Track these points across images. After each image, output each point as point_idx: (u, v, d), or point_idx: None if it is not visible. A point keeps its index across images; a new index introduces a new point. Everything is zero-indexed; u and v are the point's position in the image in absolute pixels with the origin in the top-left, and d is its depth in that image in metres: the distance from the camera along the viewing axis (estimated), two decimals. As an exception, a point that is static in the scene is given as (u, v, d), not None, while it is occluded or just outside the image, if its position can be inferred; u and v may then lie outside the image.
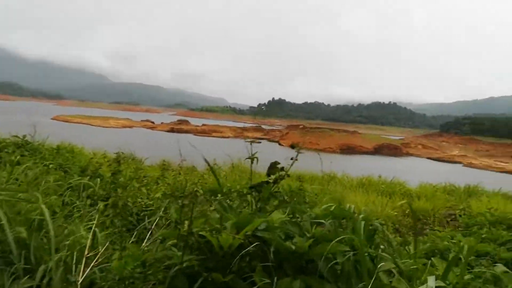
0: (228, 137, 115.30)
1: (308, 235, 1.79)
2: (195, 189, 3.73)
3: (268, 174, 2.11)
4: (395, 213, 7.49)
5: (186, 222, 1.70)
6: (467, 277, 2.00)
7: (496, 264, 2.76)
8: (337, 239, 1.67)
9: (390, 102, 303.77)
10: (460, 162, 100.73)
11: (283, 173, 2.18)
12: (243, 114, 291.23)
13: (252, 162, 2.30)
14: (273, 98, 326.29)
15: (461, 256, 3.29)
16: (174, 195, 2.71)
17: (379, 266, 1.56)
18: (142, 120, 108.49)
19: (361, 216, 2.03)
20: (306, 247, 1.63)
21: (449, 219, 8.38)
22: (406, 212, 8.34)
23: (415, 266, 1.76)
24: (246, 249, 1.58)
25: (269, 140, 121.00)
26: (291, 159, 2.22)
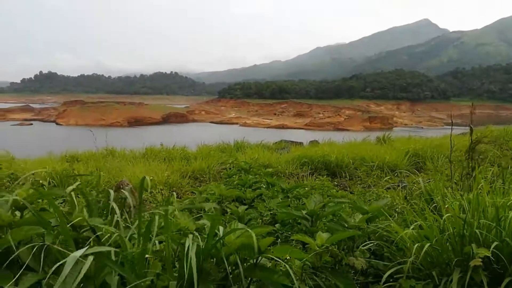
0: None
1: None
2: None
3: None
4: (170, 176, 7.72)
5: None
6: (201, 221, 2.17)
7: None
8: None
9: (172, 72, 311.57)
10: (237, 123, 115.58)
11: None
12: (3, 92, 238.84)
13: None
14: (40, 72, 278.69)
15: (207, 204, 3.63)
16: None
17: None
18: None
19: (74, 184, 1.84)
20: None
21: (221, 174, 9.34)
22: (187, 174, 8.76)
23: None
24: None
25: (43, 120, 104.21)
26: None
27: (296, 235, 1.81)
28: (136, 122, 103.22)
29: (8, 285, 1.33)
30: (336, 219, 2.51)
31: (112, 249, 1.41)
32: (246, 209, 3.55)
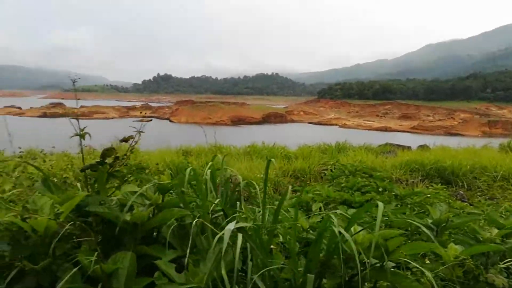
0: (112, 117, 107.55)
1: (147, 203, 1.71)
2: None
3: (103, 157, 1.92)
4: (278, 173, 7.91)
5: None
6: (312, 220, 2.19)
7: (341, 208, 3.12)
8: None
9: (273, 73, 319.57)
10: (336, 124, 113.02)
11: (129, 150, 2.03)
12: (127, 92, 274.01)
13: (135, 141, 2.07)
14: (158, 74, 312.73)
15: (315, 204, 3.62)
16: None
17: (227, 224, 1.54)
18: (5, 106, 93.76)
19: (208, 174, 2.01)
20: (144, 216, 1.55)
21: (322, 175, 9.23)
22: (288, 173, 8.90)
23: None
24: (65, 229, 1.42)
25: (158, 117, 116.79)
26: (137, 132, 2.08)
27: (427, 243, 1.69)
28: (238, 121, 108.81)
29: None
30: (464, 232, 2.28)
31: (254, 225, 1.52)
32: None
